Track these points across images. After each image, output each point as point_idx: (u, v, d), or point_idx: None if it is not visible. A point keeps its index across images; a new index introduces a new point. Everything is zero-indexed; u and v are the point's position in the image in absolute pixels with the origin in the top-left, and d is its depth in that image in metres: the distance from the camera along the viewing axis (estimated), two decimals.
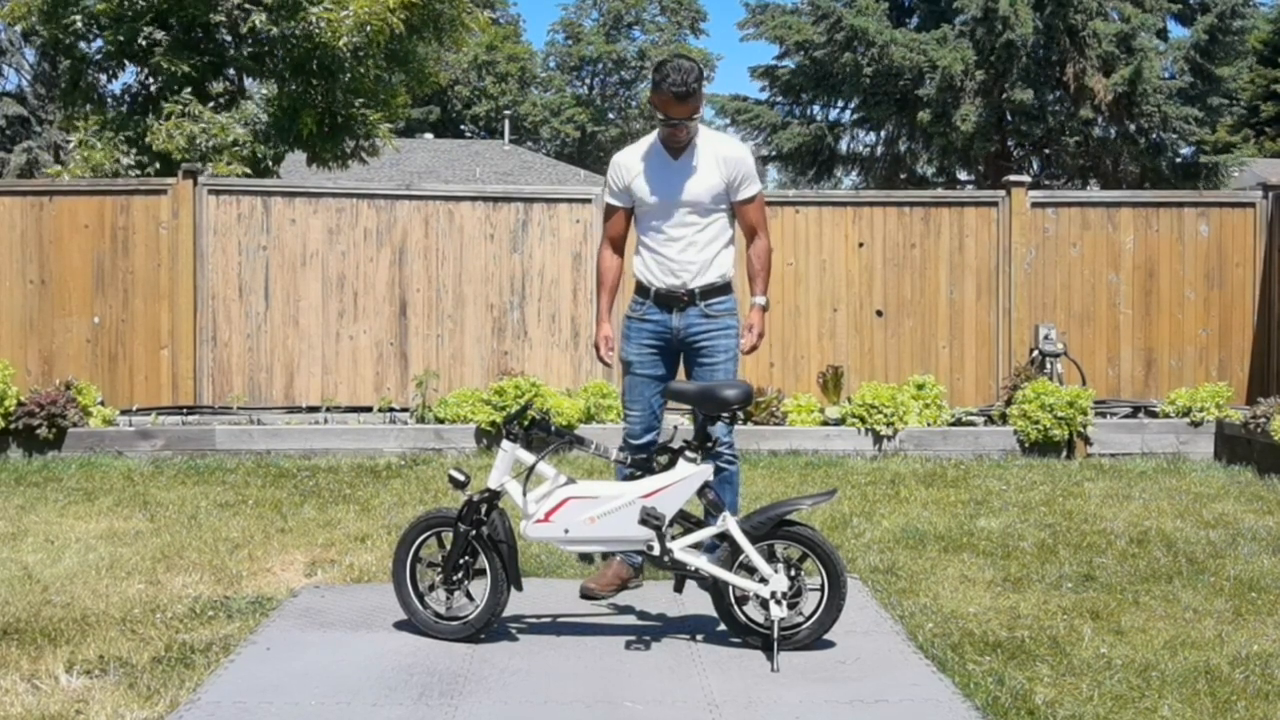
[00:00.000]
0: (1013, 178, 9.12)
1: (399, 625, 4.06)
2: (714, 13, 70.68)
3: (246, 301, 8.76)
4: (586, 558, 4.11)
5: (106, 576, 4.74)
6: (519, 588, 3.97)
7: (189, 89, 11.30)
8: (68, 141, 11.62)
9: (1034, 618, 4.23)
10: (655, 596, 4.51)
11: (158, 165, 11.12)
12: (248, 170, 11.00)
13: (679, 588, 4.24)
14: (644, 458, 4.20)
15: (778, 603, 3.76)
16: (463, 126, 43.79)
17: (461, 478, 3.95)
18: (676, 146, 4.45)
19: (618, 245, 4.67)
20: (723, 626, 3.98)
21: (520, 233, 8.93)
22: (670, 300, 4.46)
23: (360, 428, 8.22)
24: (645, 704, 3.42)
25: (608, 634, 4.06)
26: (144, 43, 11.09)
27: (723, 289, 4.50)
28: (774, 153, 21.08)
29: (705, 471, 3.90)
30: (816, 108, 20.90)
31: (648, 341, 4.52)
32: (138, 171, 11.17)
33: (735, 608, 3.88)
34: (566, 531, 3.88)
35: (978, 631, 4.06)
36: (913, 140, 20.27)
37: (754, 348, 4.53)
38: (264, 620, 4.19)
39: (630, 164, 4.55)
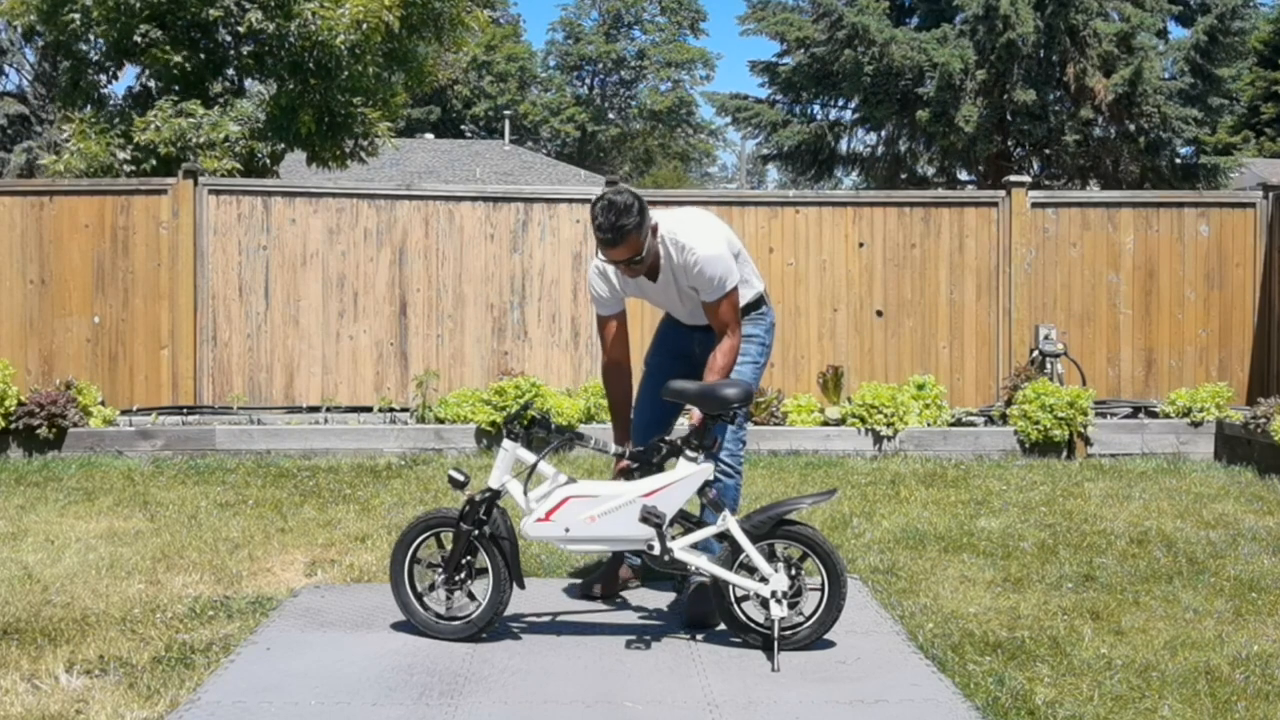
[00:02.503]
0: (1013, 178, 9.12)
1: (399, 625, 4.06)
2: (714, 12, 70.76)
3: (246, 301, 8.76)
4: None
5: (106, 576, 4.74)
6: (521, 585, 3.97)
7: (186, 87, 11.30)
8: (67, 140, 11.59)
9: (1034, 618, 4.23)
10: (655, 596, 4.51)
11: (153, 162, 11.11)
12: (239, 167, 10.98)
13: (680, 587, 4.24)
14: (641, 450, 4.12)
15: (778, 602, 3.76)
16: (463, 126, 43.80)
17: (461, 478, 3.96)
18: (646, 273, 4.19)
19: (622, 361, 4.39)
20: (722, 626, 3.99)
21: (520, 233, 8.93)
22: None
23: (360, 428, 8.22)
24: (645, 704, 3.42)
25: (608, 634, 4.06)
26: (140, 40, 11.09)
27: (745, 309, 4.37)
28: (774, 152, 21.07)
29: (706, 471, 3.90)
30: (817, 106, 20.89)
31: (669, 346, 4.52)
32: (132, 167, 11.16)
33: (735, 607, 3.89)
34: (567, 530, 3.88)
35: (978, 632, 4.06)
36: (913, 140, 20.26)
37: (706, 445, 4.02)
38: (264, 620, 4.19)
39: (613, 284, 4.29)
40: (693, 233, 4.17)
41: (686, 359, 4.46)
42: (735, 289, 4.21)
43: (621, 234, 3.96)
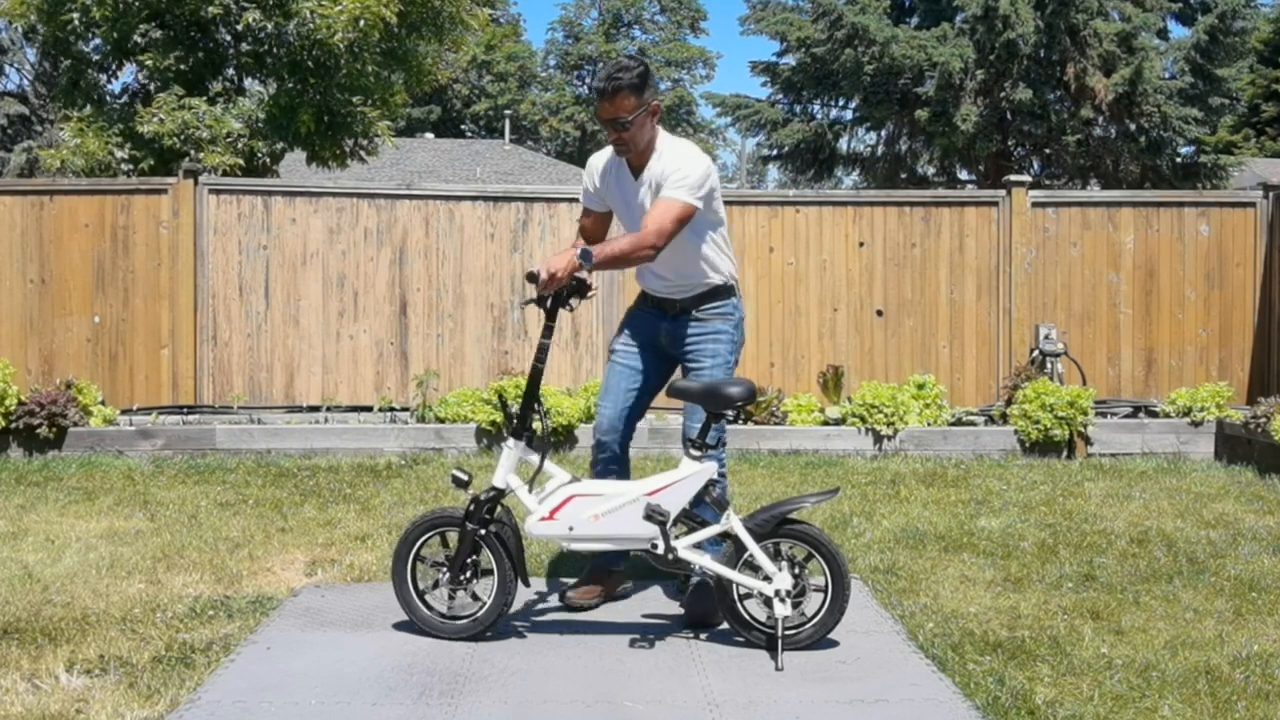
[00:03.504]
0: (1013, 177, 9.12)
1: (399, 625, 4.06)
2: (714, 11, 70.83)
3: (247, 301, 8.76)
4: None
5: (107, 576, 4.74)
6: (526, 584, 3.98)
7: (186, 86, 11.30)
8: (65, 136, 11.59)
9: (1034, 617, 4.23)
10: (655, 596, 4.51)
11: (151, 161, 11.10)
12: (240, 163, 10.98)
13: (682, 587, 4.24)
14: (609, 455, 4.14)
15: (782, 601, 3.76)
16: (463, 126, 43.81)
17: (464, 478, 3.95)
18: (630, 161, 4.18)
19: (598, 231, 4.43)
20: (723, 625, 3.99)
21: (521, 232, 8.93)
22: (664, 305, 4.34)
23: (360, 427, 8.22)
24: (645, 704, 3.42)
25: (608, 634, 4.06)
26: (140, 40, 11.09)
27: (715, 293, 4.30)
28: (774, 151, 21.09)
29: (709, 469, 3.90)
30: (817, 106, 20.92)
31: (636, 333, 4.38)
32: (131, 165, 11.16)
33: (739, 605, 3.89)
34: (571, 529, 3.88)
35: (978, 631, 4.06)
36: (913, 139, 20.29)
37: (539, 277, 3.88)
38: (264, 620, 4.19)
39: (600, 171, 4.33)
40: (687, 146, 4.23)
41: (653, 349, 4.38)
42: (693, 210, 4.05)
43: (616, 87, 4.00)
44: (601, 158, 4.35)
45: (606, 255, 3.98)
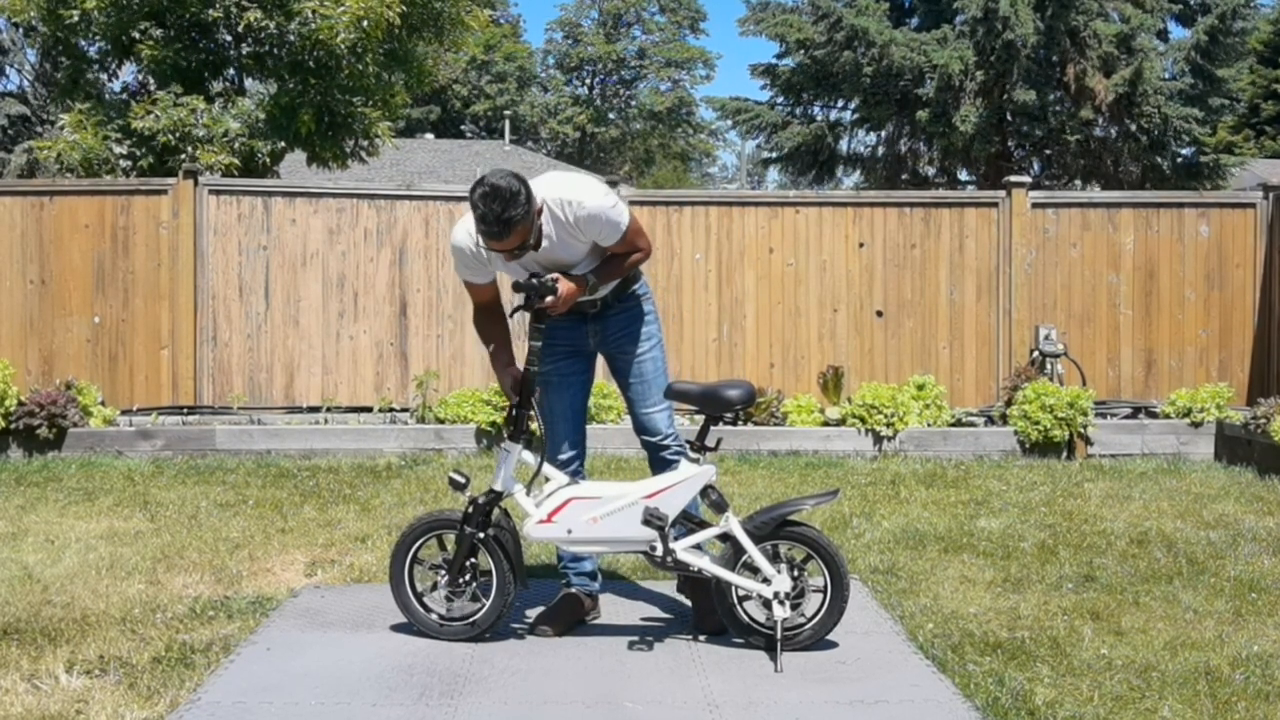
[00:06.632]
0: (1013, 178, 9.12)
1: (399, 625, 4.06)
2: (713, 11, 70.82)
3: (247, 301, 8.76)
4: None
5: (107, 576, 4.74)
6: (526, 586, 3.97)
7: (186, 86, 11.30)
8: (62, 129, 11.56)
9: (1034, 618, 4.23)
10: (655, 596, 4.51)
11: (150, 159, 11.09)
12: (237, 164, 10.97)
13: (681, 588, 4.24)
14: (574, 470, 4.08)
15: (781, 603, 3.76)
16: (463, 126, 43.81)
17: (461, 480, 3.94)
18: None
19: (494, 309, 4.11)
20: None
21: None
22: (582, 307, 4.03)
23: (360, 428, 8.22)
24: (645, 704, 3.42)
25: (608, 634, 4.06)
26: (139, 37, 11.10)
27: (630, 278, 4.12)
28: (775, 154, 21.07)
29: (708, 472, 3.90)
30: (817, 107, 20.90)
31: (561, 346, 4.12)
32: (130, 162, 11.15)
33: (738, 607, 3.89)
34: (569, 532, 3.88)
35: (978, 632, 4.06)
36: (913, 140, 20.27)
37: (552, 306, 3.82)
38: (264, 620, 4.19)
39: (483, 255, 3.90)
40: (574, 188, 3.86)
41: (580, 354, 4.19)
42: (633, 218, 3.97)
43: (510, 226, 3.60)
44: (477, 247, 3.89)
45: (611, 276, 3.97)
